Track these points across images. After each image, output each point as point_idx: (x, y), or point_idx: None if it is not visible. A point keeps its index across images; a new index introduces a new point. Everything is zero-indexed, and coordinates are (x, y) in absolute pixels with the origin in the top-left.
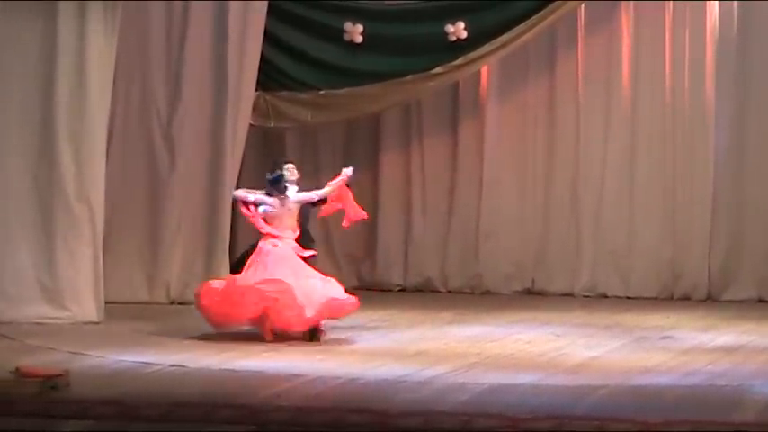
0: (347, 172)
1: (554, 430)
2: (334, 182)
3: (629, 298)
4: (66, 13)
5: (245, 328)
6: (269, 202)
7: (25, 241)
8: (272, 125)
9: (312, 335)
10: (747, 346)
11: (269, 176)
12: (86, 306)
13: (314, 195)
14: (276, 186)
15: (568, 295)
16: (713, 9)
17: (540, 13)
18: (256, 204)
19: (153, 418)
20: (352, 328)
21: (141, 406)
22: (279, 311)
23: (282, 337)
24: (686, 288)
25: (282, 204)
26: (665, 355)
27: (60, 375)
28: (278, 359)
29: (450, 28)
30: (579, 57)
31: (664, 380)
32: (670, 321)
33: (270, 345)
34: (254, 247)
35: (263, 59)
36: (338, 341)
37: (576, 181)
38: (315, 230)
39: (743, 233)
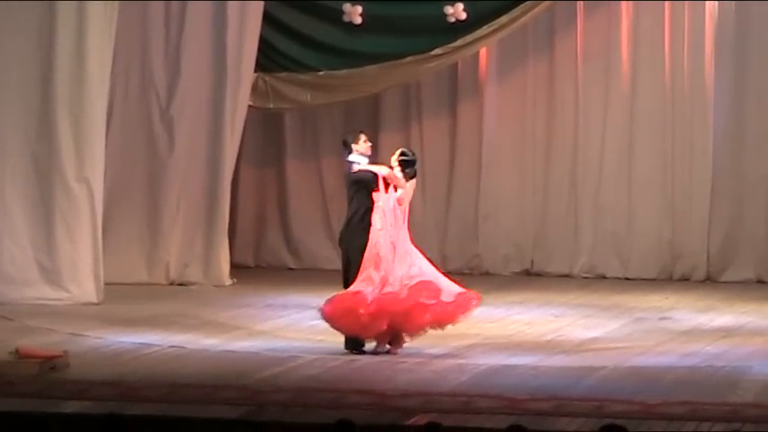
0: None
1: (553, 411)
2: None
3: (627, 279)
4: None
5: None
6: (404, 186)
7: (24, 221)
8: (272, 106)
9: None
10: (746, 328)
11: (407, 157)
12: (86, 287)
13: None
14: (412, 168)
15: (567, 276)
16: None
17: None
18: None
19: (152, 399)
20: None
21: (141, 387)
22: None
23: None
24: (685, 269)
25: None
26: (663, 336)
27: (60, 356)
28: (277, 341)
29: (449, 9)
30: (578, 38)
31: (662, 361)
32: (669, 302)
33: (270, 325)
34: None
35: (262, 41)
36: None
37: (575, 162)
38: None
39: (742, 214)
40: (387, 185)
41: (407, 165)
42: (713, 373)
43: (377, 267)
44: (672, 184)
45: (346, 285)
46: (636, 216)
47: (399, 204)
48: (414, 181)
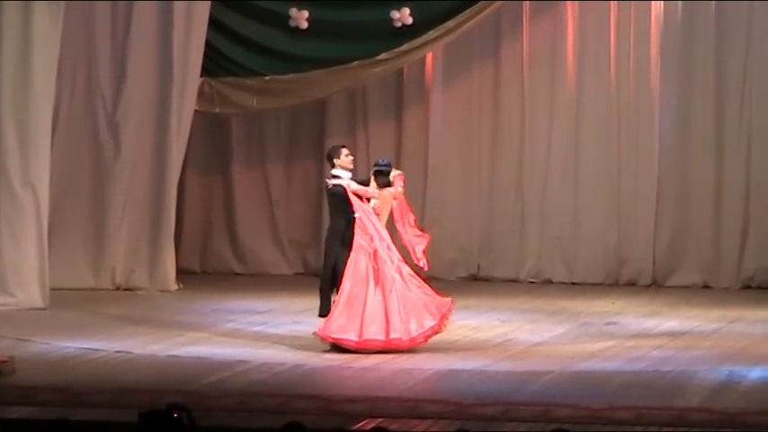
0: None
1: (499, 416)
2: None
3: (574, 284)
4: None
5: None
6: (376, 196)
7: None
8: (218, 111)
9: None
10: (692, 332)
11: (378, 167)
12: (31, 292)
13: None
14: (385, 177)
15: (514, 281)
16: None
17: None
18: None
19: (99, 405)
20: (299, 313)
21: (87, 392)
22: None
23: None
24: (631, 274)
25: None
26: (609, 340)
27: (5, 362)
28: (224, 346)
29: (395, 14)
30: (524, 43)
31: (608, 365)
32: (615, 307)
33: (216, 330)
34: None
35: (208, 45)
36: (283, 327)
37: (521, 167)
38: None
39: (687, 219)
40: (360, 198)
41: (378, 175)
42: (659, 378)
43: (360, 284)
44: (618, 189)
45: (332, 286)
46: (582, 220)
47: (377, 214)
48: (394, 189)
